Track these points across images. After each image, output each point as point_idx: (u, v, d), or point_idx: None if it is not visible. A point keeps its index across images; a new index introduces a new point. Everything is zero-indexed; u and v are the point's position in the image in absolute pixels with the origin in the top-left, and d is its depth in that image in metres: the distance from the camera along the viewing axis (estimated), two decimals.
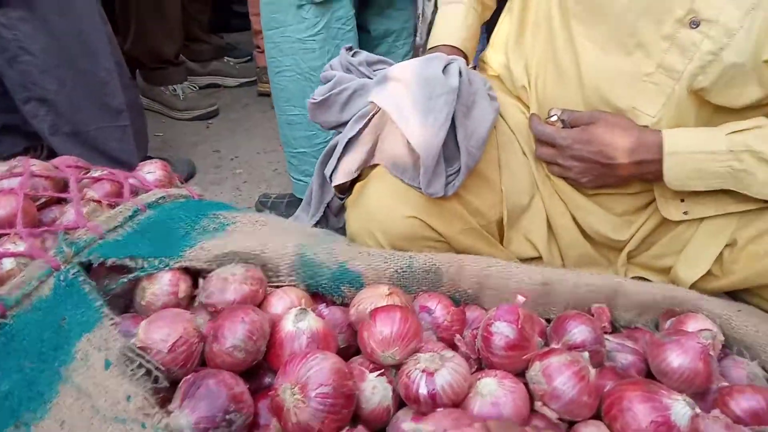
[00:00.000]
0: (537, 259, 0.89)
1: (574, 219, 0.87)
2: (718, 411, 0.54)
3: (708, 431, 0.50)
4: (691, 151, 0.71)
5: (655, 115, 0.75)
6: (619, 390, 0.53)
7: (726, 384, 0.59)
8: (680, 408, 0.49)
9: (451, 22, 0.90)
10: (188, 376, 0.50)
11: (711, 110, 0.74)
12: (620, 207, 0.84)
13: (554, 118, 0.80)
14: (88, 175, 0.71)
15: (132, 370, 0.49)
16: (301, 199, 0.99)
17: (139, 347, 0.51)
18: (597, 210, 0.84)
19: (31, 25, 1.08)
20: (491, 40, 0.95)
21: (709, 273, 0.79)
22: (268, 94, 1.95)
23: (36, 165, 0.67)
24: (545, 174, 0.85)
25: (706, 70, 0.69)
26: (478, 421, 0.47)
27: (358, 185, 0.79)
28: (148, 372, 0.49)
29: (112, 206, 0.66)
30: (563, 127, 0.80)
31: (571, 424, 0.54)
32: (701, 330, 0.61)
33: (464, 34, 0.89)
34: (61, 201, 0.68)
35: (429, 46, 0.90)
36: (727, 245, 0.78)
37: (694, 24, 0.68)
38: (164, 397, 0.49)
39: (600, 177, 0.78)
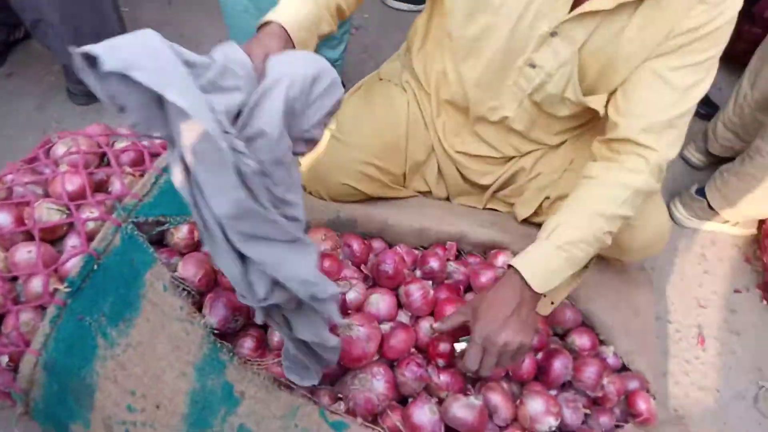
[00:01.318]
0: (428, 192, 1.31)
1: (458, 169, 1.27)
2: None
3: None
4: (542, 271, 0.89)
5: (512, 113, 1.11)
6: (443, 302, 1.00)
7: None
8: None
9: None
10: (210, 294, 0.92)
11: (546, 115, 1.11)
12: (490, 165, 1.24)
13: (459, 348, 0.90)
14: (115, 146, 1.02)
15: (179, 291, 0.89)
16: None
17: (180, 278, 0.91)
18: (475, 166, 1.24)
19: None
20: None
21: (534, 213, 1.24)
22: None
23: (83, 143, 0.98)
24: (440, 143, 1.22)
25: (538, 92, 1.04)
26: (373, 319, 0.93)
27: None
28: (188, 292, 0.90)
29: (140, 174, 1.00)
30: (464, 347, 0.88)
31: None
32: (504, 263, 1.08)
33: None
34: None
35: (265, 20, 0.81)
36: (546, 198, 1.22)
37: (532, 66, 1.01)
38: (197, 305, 0.91)
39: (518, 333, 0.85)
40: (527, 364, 0.97)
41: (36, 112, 1.67)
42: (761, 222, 1.61)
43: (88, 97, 1.60)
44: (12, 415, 0.93)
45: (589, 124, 1.16)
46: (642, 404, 1.00)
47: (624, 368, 1.09)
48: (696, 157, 1.80)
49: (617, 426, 0.99)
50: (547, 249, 0.90)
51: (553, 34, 0.93)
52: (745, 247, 1.67)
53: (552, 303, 1.01)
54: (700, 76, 0.91)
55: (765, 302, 1.55)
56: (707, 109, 1.90)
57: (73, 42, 0.49)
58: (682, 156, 1.84)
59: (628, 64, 0.93)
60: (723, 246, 1.67)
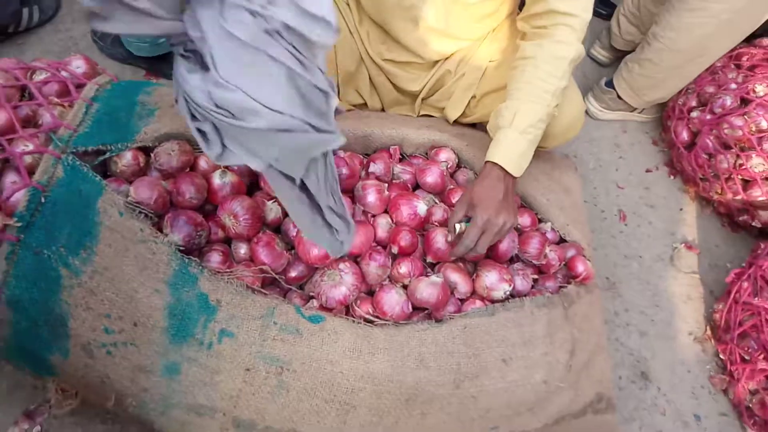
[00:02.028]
0: (363, 104, 1.34)
1: (387, 78, 1.30)
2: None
3: (435, 216, 1.06)
4: (516, 157, 1.01)
5: (427, 7, 1.13)
6: (396, 198, 1.05)
7: (452, 186, 1.15)
8: (422, 205, 1.03)
9: None
10: (168, 214, 0.92)
11: (463, 4, 1.13)
12: (416, 70, 1.28)
13: (459, 228, 0.97)
14: (34, 77, 0.97)
15: (136, 214, 0.89)
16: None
17: (135, 202, 0.90)
18: (403, 73, 1.28)
19: None
20: None
21: (462, 114, 1.30)
22: None
23: (5, 76, 0.92)
24: (367, 52, 1.24)
25: None
26: None
27: None
28: (146, 215, 0.90)
29: (69, 105, 0.95)
30: (463, 228, 0.97)
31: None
32: (445, 159, 1.15)
33: None
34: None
35: None
36: (473, 97, 1.28)
37: None
38: (157, 227, 0.91)
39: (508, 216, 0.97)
40: None
41: None
42: (664, 106, 1.77)
43: None
44: None
45: (500, 15, 1.21)
46: (580, 266, 1.12)
47: (562, 241, 1.20)
48: (602, 54, 1.93)
49: (561, 287, 1.10)
50: (514, 136, 1.00)
51: None
52: (652, 131, 1.84)
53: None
54: None
55: (672, 177, 1.73)
56: (606, 9, 2.02)
57: None
58: (589, 55, 1.96)
59: None
60: (633, 133, 1.83)
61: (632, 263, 1.52)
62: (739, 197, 1.48)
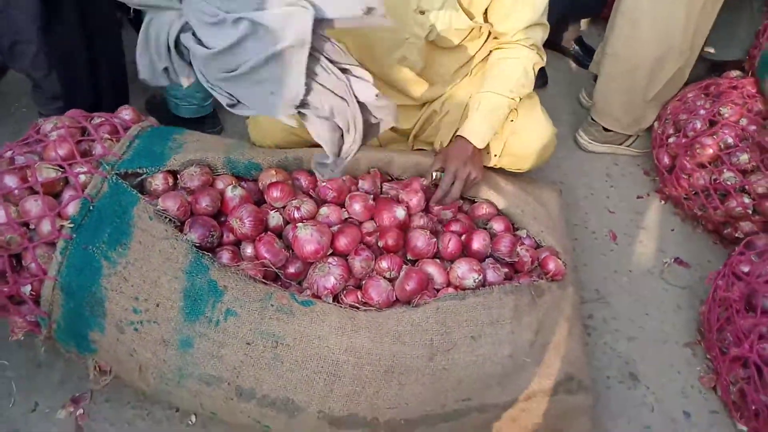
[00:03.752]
0: None
1: None
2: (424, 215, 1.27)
3: (414, 222, 1.23)
4: (479, 134, 1.32)
5: (417, 60, 1.37)
6: (380, 206, 1.23)
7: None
8: (400, 211, 1.21)
9: None
10: (189, 219, 1.13)
11: (441, 50, 1.36)
12: (408, 111, 1.49)
13: (435, 176, 1.30)
14: (93, 122, 1.24)
15: (163, 219, 1.10)
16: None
17: (162, 209, 1.12)
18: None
19: None
20: None
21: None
22: None
23: (66, 121, 1.19)
24: None
25: (433, 31, 1.30)
26: (324, 224, 1.15)
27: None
28: (170, 220, 1.11)
29: (116, 140, 1.21)
30: (438, 177, 1.30)
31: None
32: (425, 178, 1.33)
33: None
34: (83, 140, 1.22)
35: None
36: (457, 129, 1.48)
37: (421, 12, 1.28)
38: (179, 229, 1.12)
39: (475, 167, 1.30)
40: (454, 243, 1.21)
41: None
42: (653, 139, 1.90)
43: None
44: (36, 343, 1.11)
45: (476, 59, 1.43)
46: (551, 264, 1.24)
47: (539, 247, 1.33)
48: (588, 100, 2.11)
49: (533, 281, 1.22)
50: (478, 118, 1.32)
51: None
52: (644, 164, 1.97)
53: (489, 153, 1.42)
54: None
55: (663, 202, 1.84)
56: (590, 60, 2.22)
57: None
58: (578, 101, 2.16)
59: None
60: (625, 165, 1.96)
61: (622, 277, 1.60)
62: (719, 211, 1.57)
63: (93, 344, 1.07)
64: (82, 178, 1.12)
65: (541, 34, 1.33)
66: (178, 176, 1.22)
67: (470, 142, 1.31)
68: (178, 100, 1.71)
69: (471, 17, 1.29)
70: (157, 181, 1.19)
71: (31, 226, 1.08)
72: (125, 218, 1.09)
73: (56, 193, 1.12)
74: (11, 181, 1.09)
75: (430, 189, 1.33)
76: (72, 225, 1.06)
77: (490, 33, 1.37)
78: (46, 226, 1.06)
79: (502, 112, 1.33)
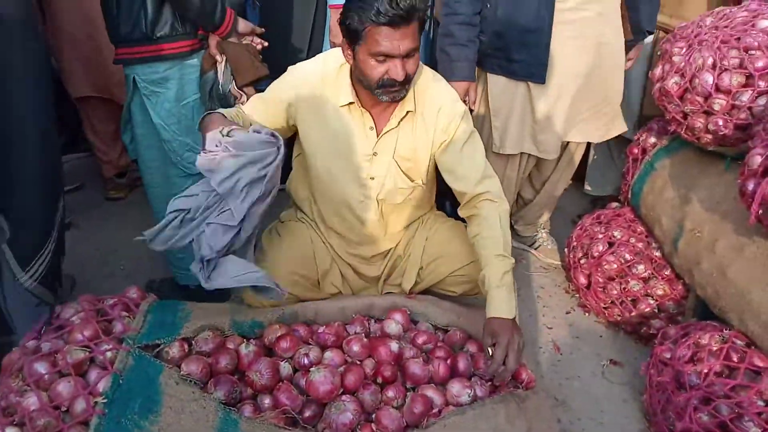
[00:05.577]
0: (339, 293, 1.77)
1: (353, 270, 1.76)
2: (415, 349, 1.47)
3: (406, 354, 1.42)
4: (506, 306, 1.40)
5: (374, 217, 1.66)
6: (375, 344, 1.42)
7: (416, 332, 1.53)
8: (394, 344, 1.40)
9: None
10: (211, 379, 1.24)
11: (392, 205, 1.67)
12: (375, 260, 1.75)
13: (490, 351, 1.34)
14: (107, 303, 1.36)
15: (188, 382, 1.20)
16: (180, 285, 1.77)
17: (186, 374, 1.22)
18: (365, 265, 1.75)
19: None
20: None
21: (415, 284, 1.76)
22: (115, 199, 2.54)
23: (84, 305, 1.30)
24: (336, 252, 1.72)
25: (382, 192, 1.61)
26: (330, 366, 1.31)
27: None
28: (194, 382, 1.21)
29: (132, 317, 1.33)
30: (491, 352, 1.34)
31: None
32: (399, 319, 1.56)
33: None
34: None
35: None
36: (420, 268, 1.75)
37: (371, 179, 1.60)
38: (203, 390, 1.22)
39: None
40: (444, 367, 1.40)
41: None
42: (567, 263, 2.30)
43: None
44: None
45: (424, 209, 1.76)
46: (524, 374, 1.46)
47: None
48: None
49: (511, 391, 1.43)
50: (493, 293, 1.40)
51: (374, 154, 1.54)
52: (563, 283, 2.34)
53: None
54: (479, 140, 1.57)
55: (586, 314, 2.18)
56: None
57: None
58: None
59: (424, 152, 1.56)
60: (549, 287, 2.33)
61: (573, 383, 1.85)
62: (633, 314, 1.92)
63: None
64: (108, 354, 1.22)
65: (498, 184, 1.54)
66: (193, 342, 1.34)
67: (503, 318, 1.37)
68: (185, 270, 1.85)
69: (411, 180, 1.63)
70: (174, 350, 1.30)
71: (63, 408, 1.13)
72: (152, 387, 1.19)
73: (83, 373, 1.20)
74: (41, 367, 1.16)
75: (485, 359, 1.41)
76: (105, 400, 1.14)
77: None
78: (80, 405, 1.12)
79: (509, 276, 1.42)
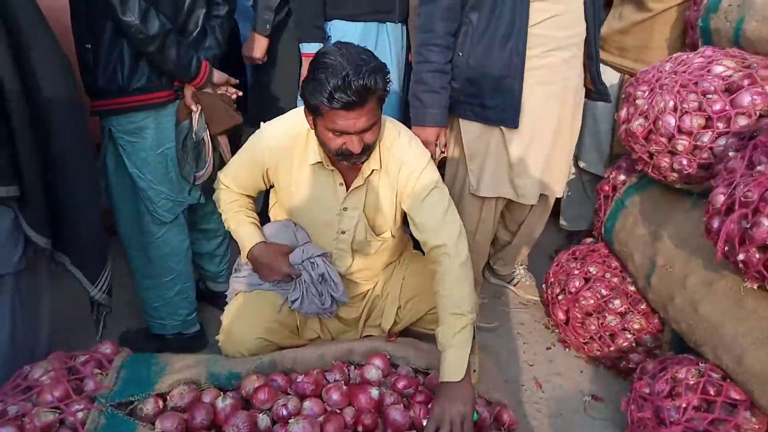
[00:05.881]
0: (318, 337, 1.76)
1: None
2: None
3: (386, 400, 1.41)
4: (457, 368, 1.38)
5: (349, 264, 1.67)
6: (355, 391, 1.40)
7: (397, 375, 1.51)
8: (374, 391, 1.39)
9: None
10: None
11: (364, 255, 1.68)
12: (354, 302, 1.75)
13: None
14: (79, 360, 1.32)
15: None
16: (155, 335, 1.75)
17: (160, 431, 1.19)
18: (343, 308, 1.74)
19: None
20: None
21: (394, 323, 1.75)
22: None
23: (54, 364, 1.27)
24: None
25: (354, 242, 1.63)
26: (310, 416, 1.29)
27: (224, 323, 1.56)
28: None
29: (105, 373, 1.30)
30: None
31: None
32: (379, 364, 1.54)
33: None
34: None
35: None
36: (399, 308, 1.75)
37: (342, 233, 1.62)
38: None
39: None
40: (424, 412, 1.39)
41: None
42: (546, 299, 2.32)
43: None
44: None
45: (396, 253, 1.78)
46: (505, 416, 1.46)
47: (489, 403, 1.55)
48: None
49: None
50: (445, 354, 1.40)
51: (344, 209, 1.56)
52: (542, 318, 2.36)
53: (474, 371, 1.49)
54: (441, 193, 1.56)
55: (567, 350, 2.19)
56: None
57: None
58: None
59: (389, 206, 1.58)
60: (528, 323, 2.33)
61: (557, 420, 1.84)
62: (612, 348, 1.94)
63: None
64: (80, 415, 1.18)
65: (456, 233, 1.50)
66: (168, 397, 1.31)
67: (455, 383, 1.35)
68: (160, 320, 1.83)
69: (380, 233, 1.64)
70: (149, 406, 1.27)
71: None
72: None
73: None
74: None
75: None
76: None
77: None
78: None
79: (467, 336, 1.41)
